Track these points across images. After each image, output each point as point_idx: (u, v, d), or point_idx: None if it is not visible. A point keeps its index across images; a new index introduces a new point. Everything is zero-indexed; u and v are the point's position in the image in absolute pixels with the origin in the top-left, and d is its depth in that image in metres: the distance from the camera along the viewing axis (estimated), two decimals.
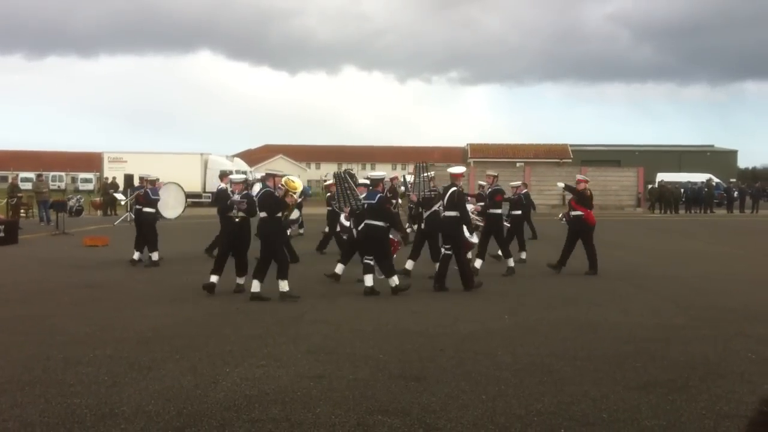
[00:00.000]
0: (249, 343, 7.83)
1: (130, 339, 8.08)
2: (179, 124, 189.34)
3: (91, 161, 70.02)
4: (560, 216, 14.96)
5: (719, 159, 76.37)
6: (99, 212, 35.18)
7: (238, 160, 51.56)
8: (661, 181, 43.10)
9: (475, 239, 12.41)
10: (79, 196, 38.46)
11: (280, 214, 10.90)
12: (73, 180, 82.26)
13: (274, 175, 11.18)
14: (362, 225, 11.65)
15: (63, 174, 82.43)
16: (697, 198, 41.35)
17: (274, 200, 10.74)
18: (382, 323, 9.03)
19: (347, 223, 13.75)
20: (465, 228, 12.01)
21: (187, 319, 9.31)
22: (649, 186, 43.98)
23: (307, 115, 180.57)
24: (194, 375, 6.58)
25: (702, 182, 43.52)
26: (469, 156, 64.56)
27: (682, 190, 42.01)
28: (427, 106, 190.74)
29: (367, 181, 12.47)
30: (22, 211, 29.02)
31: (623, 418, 5.48)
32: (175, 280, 12.95)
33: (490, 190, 14.38)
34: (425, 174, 12.91)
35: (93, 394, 6.01)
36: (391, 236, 11.94)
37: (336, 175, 13.01)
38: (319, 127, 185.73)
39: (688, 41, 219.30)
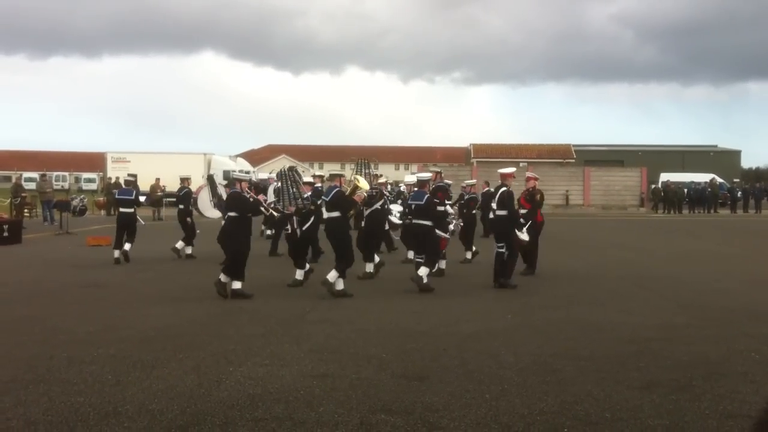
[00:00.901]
0: (252, 343, 7.84)
1: (134, 338, 8.09)
2: (182, 124, 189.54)
3: (95, 161, 70.07)
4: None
5: (722, 159, 76.33)
6: (102, 212, 35.22)
7: (241, 160, 51.58)
8: (667, 181, 43.08)
9: (525, 237, 12.39)
10: (82, 196, 38.51)
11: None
12: (77, 180, 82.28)
13: (340, 176, 11.63)
14: (391, 224, 12.12)
15: (66, 174, 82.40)
16: (700, 198, 41.31)
17: (346, 199, 11.12)
18: (384, 323, 9.03)
19: (397, 221, 14.74)
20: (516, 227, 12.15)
21: (191, 318, 9.32)
22: (653, 186, 43.97)
23: (310, 116, 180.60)
24: (197, 374, 6.59)
25: (705, 182, 43.48)
26: (472, 156, 64.51)
27: (686, 190, 41.98)
28: (430, 107, 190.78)
29: (311, 179, 13.15)
30: (25, 210, 29.08)
31: (626, 417, 5.47)
32: (179, 279, 12.97)
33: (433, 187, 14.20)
34: (367, 171, 12.91)
35: (96, 392, 6.02)
36: (441, 234, 12.14)
37: (280, 174, 12.75)
38: (322, 127, 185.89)
39: (692, 41, 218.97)
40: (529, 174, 14.63)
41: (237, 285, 10.77)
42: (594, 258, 16.38)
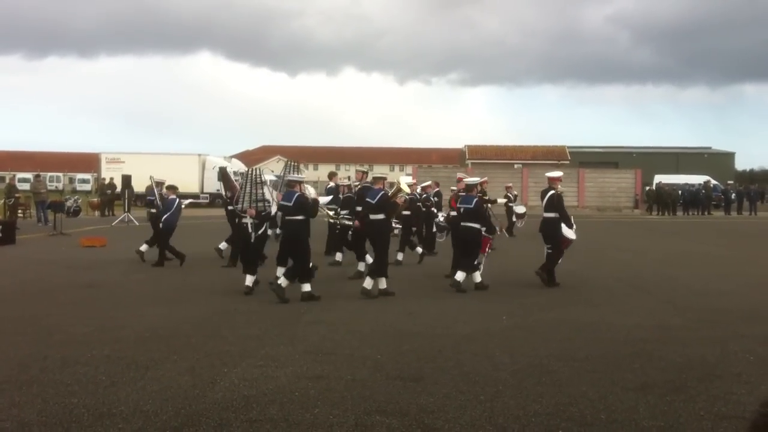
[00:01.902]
0: (247, 344, 7.83)
1: (128, 339, 8.07)
2: (178, 124, 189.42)
3: (89, 162, 69.90)
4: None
5: (717, 161, 76.53)
6: (97, 213, 35.14)
7: (235, 161, 51.54)
8: (660, 182, 43.16)
9: (573, 236, 12.64)
10: (76, 197, 38.43)
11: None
12: (71, 180, 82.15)
13: (383, 179, 12.03)
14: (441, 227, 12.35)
15: (60, 174, 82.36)
16: (694, 200, 41.41)
17: (390, 202, 11.40)
18: (380, 324, 9.03)
19: (441, 218, 15.50)
20: (565, 226, 12.42)
21: (185, 319, 9.30)
22: (647, 188, 44.05)
23: (306, 117, 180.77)
24: (192, 375, 6.58)
25: (699, 184, 43.58)
26: (467, 158, 64.55)
27: (680, 192, 42.08)
28: (426, 108, 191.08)
29: (274, 178, 13.25)
30: (19, 211, 28.98)
31: (621, 419, 5.48)
32: (174, 280, 12.94)
33: (358, 187, 14.20)
34: (292, 173, 12.84)
35: (91, 393, 6.00)
36: (486, 235, 12.40)
37: (245, 174, 12.48)
38: (318, 128, 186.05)
39: (688, 43, 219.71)
40: (460, 174, 14.73)
41: (307, 288, 10.73)
42: (589, 259, 16.39)
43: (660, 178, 45.63)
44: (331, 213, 13.80)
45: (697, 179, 46.39)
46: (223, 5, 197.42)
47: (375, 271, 11.15)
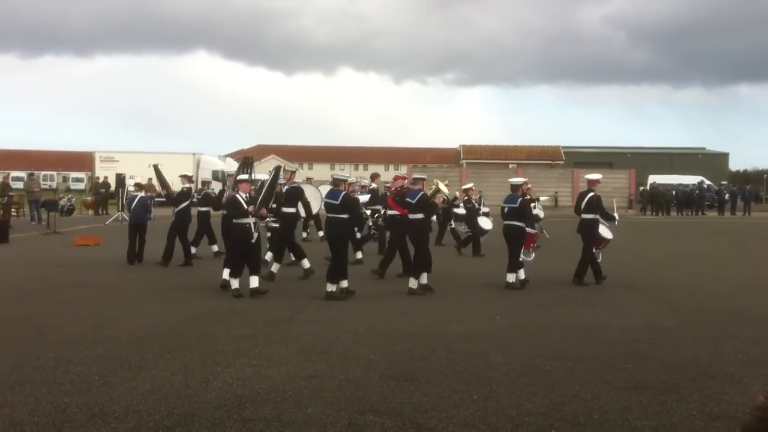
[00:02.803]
0: (240, 343, 7.82)
1: (121, 338, 8.05)
2: (174, 123, 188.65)
3: (83, 160, 69.69)
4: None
5: (711, 161, 76.76)
6: (90, 211, 35.05)
7: (230, 160, 51.42)
8: (654, 183, 43.26)
9: (610, 235, 13.19)
10: (70, 196, 38.32)
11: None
12: (65, 179, 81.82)
13: (423, 179, 12.44)
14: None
15: (54, 173, 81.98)
16: (688, 200, 41.51)
17: (429, 202, 11.74)
18: (373, 323, 9.03)
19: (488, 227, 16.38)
20: (602, 227, 12.96)
21: (179, 318, 9.28)
22: (641, 188, 44.14)
23: (302, 116, 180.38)
24: (185, 375, 6.57)
25: (693, 184, 43.68)
26: (461, 157, 64.59)
27: (674, 192, 42.16)
28: (422, 108, 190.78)
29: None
30: (13, 210, 28.88)
31: (614, 418, 5.49)
32: (167, 279, 12.91)
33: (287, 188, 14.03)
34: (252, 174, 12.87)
35: (83, 393, 5.98)
36: (530, 231, 12.81)
37: (271, 174, 12.44)
38: (314, 127, 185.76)
39: (684, 44, 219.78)
40: (398, 174, 14.80)
41: (345, 283, 10.91)
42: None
43: (654, 179, 45.76)
44: (368, 212, 14.18)
45: (691, 180, 46.51)
46: (219, 5, 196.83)
47: (418, 269, 11.49)
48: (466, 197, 18.30)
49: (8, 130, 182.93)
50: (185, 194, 15.35)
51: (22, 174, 47.87)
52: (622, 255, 17.36)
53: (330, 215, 11.21)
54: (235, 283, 10.95)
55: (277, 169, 12.75)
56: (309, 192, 17.55)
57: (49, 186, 65.83)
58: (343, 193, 11.14)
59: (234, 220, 11.19)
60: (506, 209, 12.45)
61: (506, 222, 12.42)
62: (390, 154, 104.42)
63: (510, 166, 54.07)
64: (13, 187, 31.73)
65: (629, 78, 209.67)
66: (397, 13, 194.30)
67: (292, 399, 5.87)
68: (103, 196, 35.35)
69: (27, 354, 7.29)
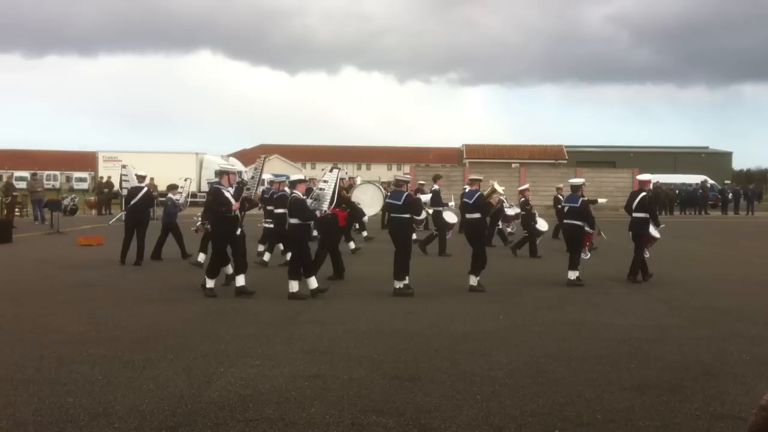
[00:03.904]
0: (243, 343, 7.82)
1: (125, 338, 8.06)
2: (177, 123, 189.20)
3: (86, 160, 69.86)
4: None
5: (714, 160, 76.64)
6: (94, 211, 35.09)
7: (233, 159, 51.51)
8: (657, 182, 43.19)
9: (658, 234, 13.63)
10: (73, 195, 38.37)
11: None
12: (68, 179, 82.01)
13: (479, 180, 12.78)
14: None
15: (58, 173, 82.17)
16: (691, 199, 41.43)
17: (486, 202, 12.14)
18: (376, 323, 9.02)
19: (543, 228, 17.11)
20: (652, 226, 13.33)
21: (182, 318, 9.29)
22: None
23: (305, 116, 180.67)
24: (188, 374, 6.57)
25: (697, 184, 43.59)
26: (464, 157, 64.55)
27: (677, 192, 42.07)
28: (426, 107, 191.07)
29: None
30: (16, 210, 28.92)
31: (617, 418, 5.48)
32: (170, 279, 12.92)
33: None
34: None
35: (87, 393, 5.99)
36: (588, 230, 13.12)
37: (335, 175, 12.91)
38: (317, 127, 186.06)
39: (688, 43, 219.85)
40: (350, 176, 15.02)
41: (405, 281, 11.34)
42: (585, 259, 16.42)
43: (657, 178, 45.65)
44: (429, 212, 14.40)
45: (694, 179, 46.43)
46: (223, 4, 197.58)
47: (477, 267, 11.84)
48: (523, 198, 18.43)
49: (12, 129, 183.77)
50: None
51: (26, 174, 47.96)
52: (624, 254, 17.32)
53: (393, 215, 11.70)
54: (210, 283, 10.99)
55: (338, 170, 13.09)
56: (371, 193, 17.72)
57: (53, 186, 66.09)
58: (406, 193, 11.51)
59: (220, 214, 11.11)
60: (566, 208, 13.02)
61: (566, 221, 12.96)
62: (393, 154, 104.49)
63: (513, 165, 54.05)
64: (17, 187, 31.75)
65: (633, 77, 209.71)
66: (401, 13, 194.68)
67: (295, 399, 5.87)
68: (106, 195, 35.40)
69: (30, 354, 7.30)
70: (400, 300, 10.76)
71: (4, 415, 5.43)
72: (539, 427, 5.28)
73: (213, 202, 11.11)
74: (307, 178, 12.16)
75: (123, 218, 27.73)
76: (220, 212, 11.08)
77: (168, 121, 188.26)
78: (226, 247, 11.33)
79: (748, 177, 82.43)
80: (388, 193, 13.66)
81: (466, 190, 17.10)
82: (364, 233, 20.60)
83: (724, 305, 10.53)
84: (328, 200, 11.88)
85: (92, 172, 57.16)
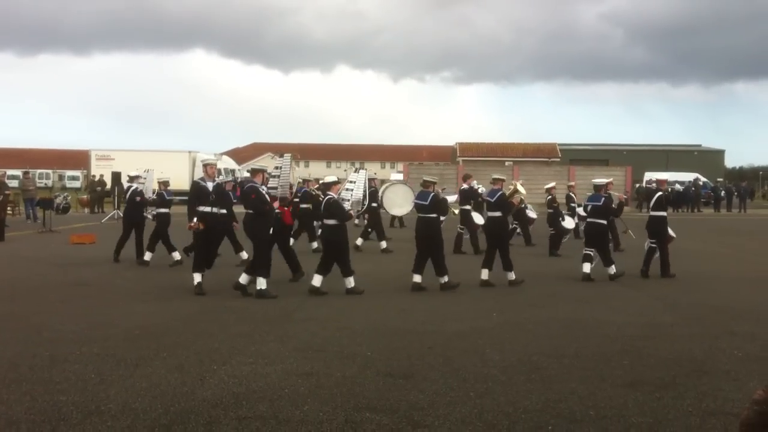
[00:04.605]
0: (236, 341, 7.81)
1: (117, 336, 8.04)
2: (170, 121, 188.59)
3: (79, 159, 69.55)
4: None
5: (706, 158, 76.77)
6: (86, 210, 34.98)
7: (225, 157, 51.33)
8: (649, 180, 43.29)
9: (674, 234, 13.83)
10: (66, 194, 38.23)
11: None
12: (60, 177, 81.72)
13: (501, 180, 12.84)
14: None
15: (50, 171, 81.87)
16: (684, 197, 41.55)
17: (507, 202, 12.31)
18: (370, 321, 9.03)
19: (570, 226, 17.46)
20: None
21: (175, 316, 9.27)
22: (637, 185, 44.18)
23: (299, 114, 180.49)
24: (181, 372, 6.56)
25: (689, 181, 43.72)
26: (458, 155, 64.56)
27: (669, 189, 42.15)
28: (420, 106, 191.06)
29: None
30: (8, 208, 28.78)
31: (610, 415, 5.50)
32: (163, 277, 12.89)
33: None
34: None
35: (79, 391, 5.97)
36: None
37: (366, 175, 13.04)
38: (311, 125, 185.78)
39: (682, 41, 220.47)
40: (254, 167, 14.93)
41: (445, 279, 11.49)
42: (579, 256, 16.44)
43: (650, 176, 45.75)
44: (456, 212, 14.50)
45: (686, 177, 46.55)
46: (218, 2, 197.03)
47: (506, 265, 12.02)
48: (549, 196, 18.39)
49: (4, 128, 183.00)
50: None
51: (18, 172, 47.78)
52: (618, 252, 17.36)
53: (420, 215, 11.84)
54: (198, 278, 11.00)
55: (365, 170, 13.15)
56: (402, 193, 17.79)
57: (45, 184, 65.78)
58: (432, 193, 11.72)
59: (200, 209, 11.11)
60: (589, 207, 13.30)
61: (589, 220, 13.26)
62: (386, 152, 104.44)
63: (506, 163, 54.06)
64: (9, 185, 31.61)
65: (626, 75, 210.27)
66: (395, 11, 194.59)
67: (288, 396, 5.87)
68: (98, 194, 35.26)
69: (23, 352, 7.27)
70: (393, 298, 10.76)
71: None
72: (532, 424, 5.29)
73: (256, 200, 10.89)
74: (339, 180, 12.05)
75: (116, 217, 27.77)
76: (264, 211, 10.97)
77: (161, 119, 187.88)
78: (272, 247, 11.22)
79: (741, 175, 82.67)
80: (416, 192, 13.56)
81: (464, 187, 17.29)
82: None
83: (716, 302, 10.57)
84: (361, 200, 12.00)
85: (85, 171, 56.96)
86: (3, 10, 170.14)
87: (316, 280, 10.87)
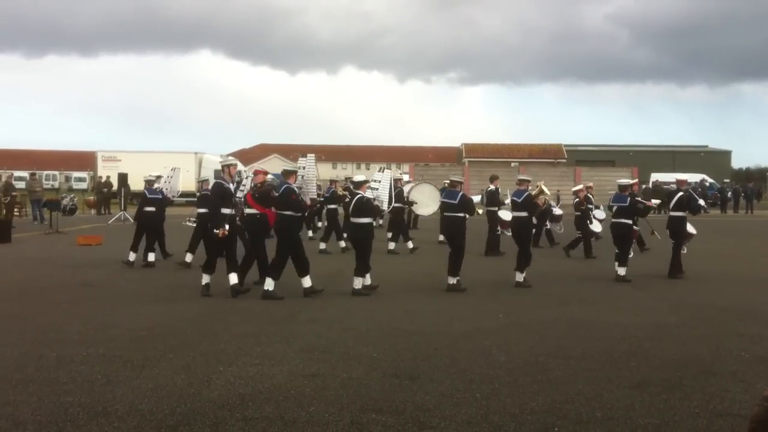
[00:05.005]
0: (243, 342, 7.82)
1: (124, 337, 8.05)
2: (176, 123, 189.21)
3: (85, 160, 69.75)
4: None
5: (713, 159, 76.68)
6: (93, 211, 35.07)
7: (232, 158, 51.44)
8: (656, 180, 43.23)
9: (695, 231, 14.29)
10: (72, 195, 38.34)
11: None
12: (67, 179, 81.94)
13: (528, 181, 13.07)
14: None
15: (57, 173, 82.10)
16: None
17: (533, 202, 12.50)
18: (376, 322, 9.02)
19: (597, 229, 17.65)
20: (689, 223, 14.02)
21: (181, 317, 9.28)
22: (643, 186, 44.09)
23: (305, 115, 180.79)
24: (188, 373, 6.57)
25: (696, 182, 43.63)
26: (464, 156, 64.54)
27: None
28: (426, 106, 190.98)
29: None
30: (15, 210, 28.89)
31: (617, 416, 5.48)
32: (169, 278, 12.92)
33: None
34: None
35: (86, 392, 5.98)
36: (635, 228, 13.81)
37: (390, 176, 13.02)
38: (317, 126, 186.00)
39: (688, 42, 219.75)
40: (258, 168, 14.85)
41: (453, 280, 11.65)
42: (585, 259, 16.42)
43: (657, 177, 45.70)
44: (481, 212, 14.51)
45: (693, 177, 46.45)
46: (224, 3, 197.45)
47: (522, 264, 12.20)
48: (576, 199, 18.30)
49: (11, 129, 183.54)
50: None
51: (25, 174, 47.93)
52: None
53: (447, 214, 12.04)
54: (206, 279, 10.98)
55: (389, 171, 13.31)
56: (428, 192, 17.87)
57: (52, 186, 66.03)
58: (461, 193, 11.99)
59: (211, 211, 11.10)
60: (615, 208, 13.45)
61: (614, 220, 13.40)
62: (391, 153, 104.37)
63: (512, 164, 54.04)
64: (16, 186, 31.73)
65: (633, 76, 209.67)
66: (401, 12, 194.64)
67: (294, 398, 5.87)
68: (105, 195, 35.36)
69: (29, 353, 7.29)
70: (399, 298, 10.76)
71: (3, 414, 5.42)
72: (538, 426, 5.28)
73: (297, 201, 10.85)
74: (367, 180, 12.09)
75: (122, 218, 27.83)
76: (303, 211, 11.19)
77: (168, 120, 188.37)
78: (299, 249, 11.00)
79: (748, 176, 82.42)
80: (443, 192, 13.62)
81: (490, 188, 17.42)
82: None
83: (723, 303, 10.54)
84: (386, 200, 12.06)
85: (91, 172, 57.11)
86: (9, 12, 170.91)
87: (357, 283, 11.03)
